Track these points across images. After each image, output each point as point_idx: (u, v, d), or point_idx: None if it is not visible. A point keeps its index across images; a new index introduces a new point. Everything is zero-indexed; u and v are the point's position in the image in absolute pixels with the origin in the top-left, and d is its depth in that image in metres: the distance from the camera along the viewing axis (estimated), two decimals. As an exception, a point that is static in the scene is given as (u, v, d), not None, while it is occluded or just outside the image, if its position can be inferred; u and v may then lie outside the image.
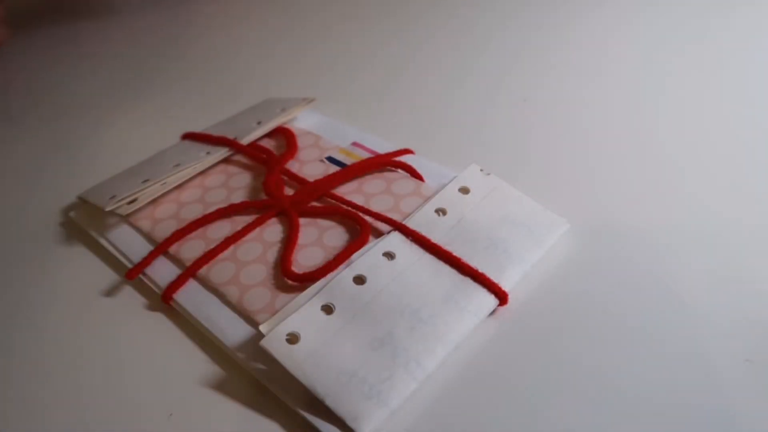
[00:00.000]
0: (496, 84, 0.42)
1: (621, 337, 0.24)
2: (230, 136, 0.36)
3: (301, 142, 0.37)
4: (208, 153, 0.35)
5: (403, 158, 0.34)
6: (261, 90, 0.44)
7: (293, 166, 0.35)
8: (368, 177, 0.33)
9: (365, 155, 0.35)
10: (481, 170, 0.31)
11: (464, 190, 0.30)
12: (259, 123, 0.37)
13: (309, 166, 0.35)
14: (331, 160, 0.35)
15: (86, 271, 0.31)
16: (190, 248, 0.30)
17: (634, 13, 0.49)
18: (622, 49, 0.44)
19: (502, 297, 0.26)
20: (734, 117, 0.36)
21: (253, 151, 0.36)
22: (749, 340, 0.23)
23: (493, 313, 0.26)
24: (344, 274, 0.26)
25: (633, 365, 0.23)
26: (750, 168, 0.32)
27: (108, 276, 0.30)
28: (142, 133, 0.42)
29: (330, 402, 0.22)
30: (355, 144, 0.36)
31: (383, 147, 0.35)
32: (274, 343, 0.24)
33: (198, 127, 0.39)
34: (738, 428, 0.21)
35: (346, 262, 0.27)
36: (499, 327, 0.25)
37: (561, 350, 0.24)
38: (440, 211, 0.29)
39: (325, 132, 0.38)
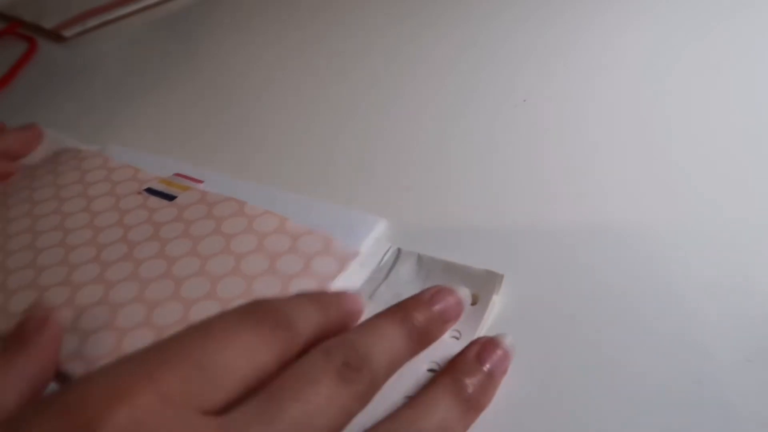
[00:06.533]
0: (495, 87, 0.42)
1: (621, 337, 0.24)
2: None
3: (116, 176, 0.34)
4: None
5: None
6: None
7: (106, 201, 0.32)
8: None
9: (192, 185, 0.33)
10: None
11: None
12: None
13: (126, 201, 0.32)
14: (151, 192, 0.33)
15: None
16: None
17: (637, 13, 0.49)
18: (624, 49, 0.44)
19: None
20: (736, 118, 0.35)
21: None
22: (749, 340, 0.23)
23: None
24: None
25: (633, 365, 0.23)
26: (752, 167, 0.32)
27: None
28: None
29: None
30: (178, 175, 0.34)
31: (208, 177, 0.34)
32: None
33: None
34: (738, 428, 0.21)
35: None
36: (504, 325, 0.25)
37: (560, 350, 0.24)
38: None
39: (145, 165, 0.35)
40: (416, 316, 0.22)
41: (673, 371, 0.23)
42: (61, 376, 0.24)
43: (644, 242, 0.28)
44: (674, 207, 0.30)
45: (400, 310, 0.22)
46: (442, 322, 0.23)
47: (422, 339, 0.22)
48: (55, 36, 0.58)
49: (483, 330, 0.25)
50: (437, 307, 0.22)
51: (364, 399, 0.19)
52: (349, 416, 0.18)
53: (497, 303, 0.26)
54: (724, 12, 0.46)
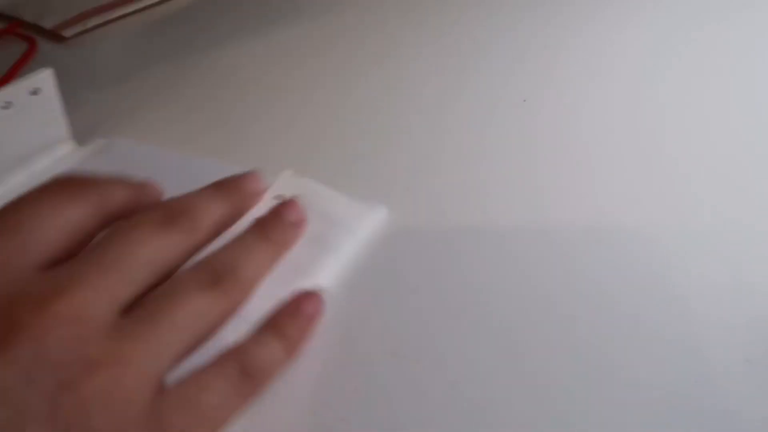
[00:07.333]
0: (497, 87, 0.42)
1: (621, 337, 0.24)
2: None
3: None
4: None
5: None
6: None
7: None
8: None
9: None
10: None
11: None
12: None
13: None
14: None
15: None
16: None
17: (636, 13, 0.49)
18: (624, 49, 0.44)
19: None
20: (737, 118, 0.35)
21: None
22: (749, 340, 0.23)
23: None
24: None
25: (632, 365, 0.23)
26: (752, 168, 0.32)
27: None
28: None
29: None
30: None
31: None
32: None
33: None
34: (738, 428, 0.21)
35: None
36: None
37: (558, 350, 0.24)
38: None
39: None
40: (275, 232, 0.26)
41: (671, 371, 0.23)
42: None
43: (643, 242, 0.28)
44: (673, 207, 0.30)
45: (261, 225, 0.26)
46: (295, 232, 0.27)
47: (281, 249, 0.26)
48: (55, 36, 0.58)
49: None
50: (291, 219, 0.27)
51: (234, 303, 0.22)
52: (221, 318, 0.22)
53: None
54: (723, 11, 0.46)
